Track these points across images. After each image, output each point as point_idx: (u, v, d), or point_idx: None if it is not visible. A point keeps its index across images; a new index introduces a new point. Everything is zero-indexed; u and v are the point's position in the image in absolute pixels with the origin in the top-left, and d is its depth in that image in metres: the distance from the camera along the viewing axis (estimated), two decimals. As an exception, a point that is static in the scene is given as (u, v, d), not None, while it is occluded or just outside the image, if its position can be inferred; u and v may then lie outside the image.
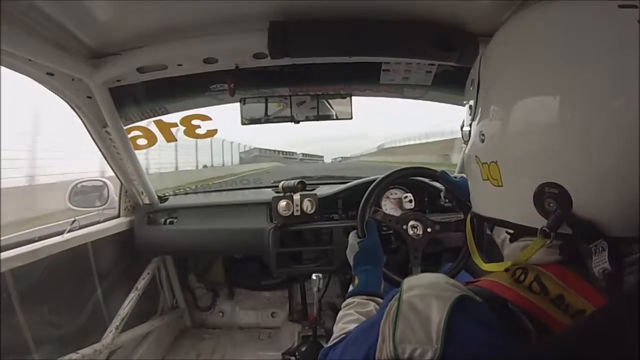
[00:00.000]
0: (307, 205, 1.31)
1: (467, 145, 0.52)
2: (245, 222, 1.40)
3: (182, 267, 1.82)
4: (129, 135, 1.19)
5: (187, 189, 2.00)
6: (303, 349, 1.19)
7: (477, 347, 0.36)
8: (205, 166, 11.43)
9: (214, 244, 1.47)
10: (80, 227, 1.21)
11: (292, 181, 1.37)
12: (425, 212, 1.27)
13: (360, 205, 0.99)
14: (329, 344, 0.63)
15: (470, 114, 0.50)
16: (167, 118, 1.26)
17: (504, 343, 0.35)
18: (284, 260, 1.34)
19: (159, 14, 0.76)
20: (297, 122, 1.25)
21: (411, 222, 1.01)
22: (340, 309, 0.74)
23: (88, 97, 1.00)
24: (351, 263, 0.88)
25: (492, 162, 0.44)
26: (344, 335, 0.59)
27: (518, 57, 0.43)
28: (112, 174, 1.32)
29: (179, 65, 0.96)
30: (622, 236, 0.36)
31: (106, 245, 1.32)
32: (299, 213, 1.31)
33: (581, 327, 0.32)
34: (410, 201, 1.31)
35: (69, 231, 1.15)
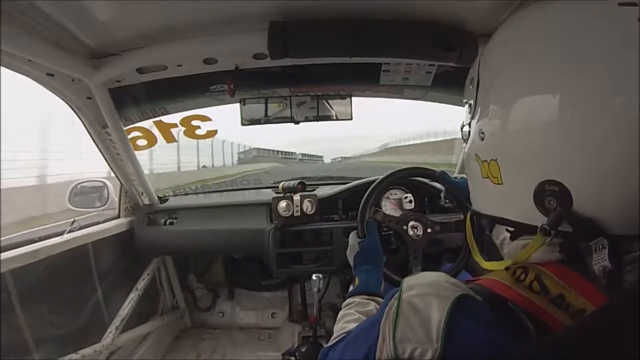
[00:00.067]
0: (307, 206, 1.31)
1: (466, 144, 0.52)
2: (245, 223, 1.40)
3: (182, 267, 1.82)
4: (129, 136, 1.19)
5: (187, 189, 2.00)
6: (303, 350, 1.18)
7: (477, 346, 0.36)
8: (204, 166, 11.41)
9: (214, 245, 1.47)
10: (80, 228, 1.21)
11: (292, 182, 1.37)
12: (425, 213, 1.27)
13: (360, 206, 0.99)
14: (329, 343, 0.63)
15: (470, 113, 0.50)
16: (167, 119, 1.26)
17: (504, 342, 0.35)
18: (284, 260, 1.34)
19: (159, 14, 0.76)
20: (297, 122, 1.25)
21: (411, 223, 1.01)
22: (341, 309, 0.74)
23: (88, 97, 1.01)
24: (351, 263, 0.88)
25: (492, 159, 0.44)
26: (344, 335, 0.59)
27: (517, 57, 0.43)
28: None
29: (178, 65, 0.96)
30: (622, 234, 0.36)
31: (106, 245, 1.32)
32: (299, 213, 1.31)
33: (581, 326, 0.32)
34: (410, 201, 1.31)
35: (69, 232, 1.15)
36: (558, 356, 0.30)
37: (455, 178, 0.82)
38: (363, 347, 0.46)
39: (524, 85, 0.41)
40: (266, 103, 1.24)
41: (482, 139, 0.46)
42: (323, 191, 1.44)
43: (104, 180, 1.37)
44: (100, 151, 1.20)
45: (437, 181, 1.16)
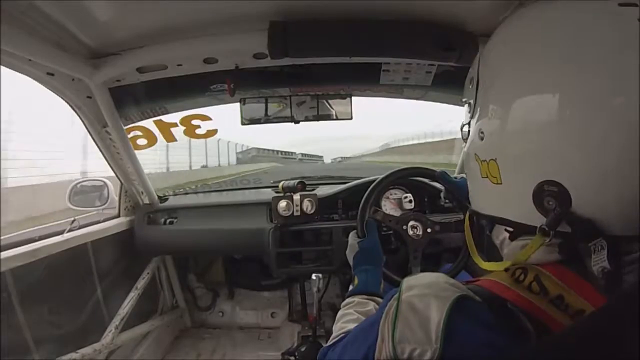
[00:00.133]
0: (307, 206, 1.31)
1: (466, 143, 0.52)
2: (245, 222, 1.40)
3: (182, 267, 1.82)
4: (129, 135, 1.19)
5: (187, 188, 2.00)
6: (303, 349, 1.18)
7: (476, 346, 0.36)
8: (204, 166, 11.39)
9: (214, 244, 1.47)
10: (80, 227, 1.21)
11: (292, 181, 1.37)
12: (425, 213, 1.27)
13: (360, 206, 0.99)
14: (328, 343, 0.63)
15: (470, 112, 0.50)
16: (167, 118, 1.26)
17: (504, 343, 0.35)
18: (284, 260, 1.34)
19: (159, 14, 0.76)
20: (297, 122, 1.25)
21: (411, 223, 1.01)
22: (340, 308, 0.74)
23: (88, 97, 1.01)
24: (351, 263, 0.88)
25: (492, 159, 0.44)
26: (343, 335, 0.59)
27: (517, 56, 0.43)
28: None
29: (178, 65, 0.96)
30: (621, 235, 0.36)
31: (106, 245, 1.32)
32: (298, 213, 1.31)
33: (581, 327, 0.32)
34: (410, 201, 1.31)
35: (69, 231, 1.16)
36: (557, 357, 0.30)
37: (455, 178, 0.82)
38: (362, 347, 0.46)
39: (524, 85, 0.41)
40: (266, 103, 1.24)
41: (482, 139, 0.46)
42: (323, 191, 1.44)
43: (104, 179, 1.37)
44: (100, 150, 1.21)
45: (437, 181, 1.16)
